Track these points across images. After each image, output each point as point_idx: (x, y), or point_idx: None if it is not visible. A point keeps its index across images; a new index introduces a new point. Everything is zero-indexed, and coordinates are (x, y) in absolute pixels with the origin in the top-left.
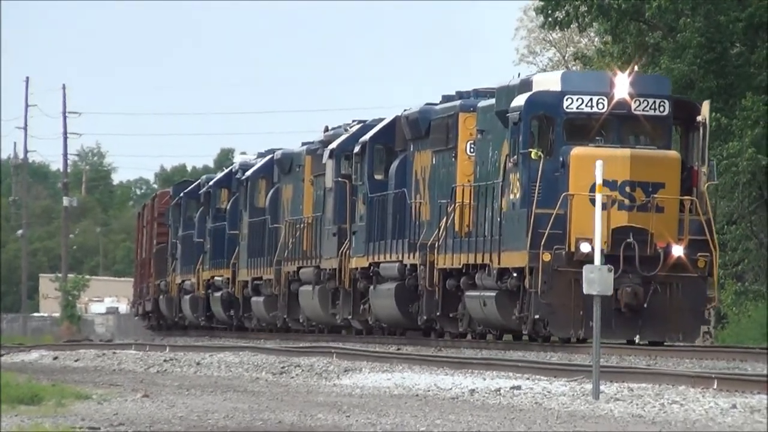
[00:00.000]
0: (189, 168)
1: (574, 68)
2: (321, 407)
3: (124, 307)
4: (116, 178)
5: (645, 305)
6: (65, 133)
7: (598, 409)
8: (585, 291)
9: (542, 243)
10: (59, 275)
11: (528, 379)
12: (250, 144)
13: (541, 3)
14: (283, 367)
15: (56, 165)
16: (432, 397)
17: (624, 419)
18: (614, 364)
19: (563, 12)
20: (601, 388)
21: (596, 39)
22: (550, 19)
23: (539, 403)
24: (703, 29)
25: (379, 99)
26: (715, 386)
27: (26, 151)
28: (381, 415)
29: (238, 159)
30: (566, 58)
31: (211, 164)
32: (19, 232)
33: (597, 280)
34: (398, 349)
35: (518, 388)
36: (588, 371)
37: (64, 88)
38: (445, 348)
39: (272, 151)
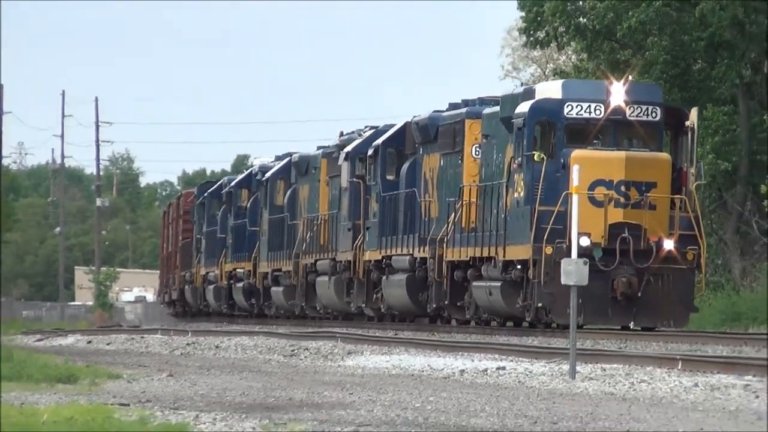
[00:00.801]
0: (208, 172)
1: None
2: (327, 386)
3: (150, 296)
4: (143, 181)
5: (639, 294)
6: (98, 141)
7: (575, 388)
8: (562, 281)
9: (545, 237)
10: (93, 268)
11: (512, 360)
12: (262, 150)
13: (524, 24)
14: (293, 350)
15: (90, 169)
16: (426, 376)
17: (597, 396)
18: (589, 347)
19: (544, 32)
20: (577, 368)
21: (573, 56)
22: (531, 38)
23: (522, 382)
24: (669, 47)
25: (372, 109)
26: (679, 367)
27: (63, 157)
28: (380, 393)
29: (257, 162)
30: (546, 73)
31: (228, 168)
32: (57, 229)
33: (574, 272)
34: (396, 334)
35: (503, 368)
36: (565, 353)
37: (96, 100)
38: (438, 333)
39: (289, 154)
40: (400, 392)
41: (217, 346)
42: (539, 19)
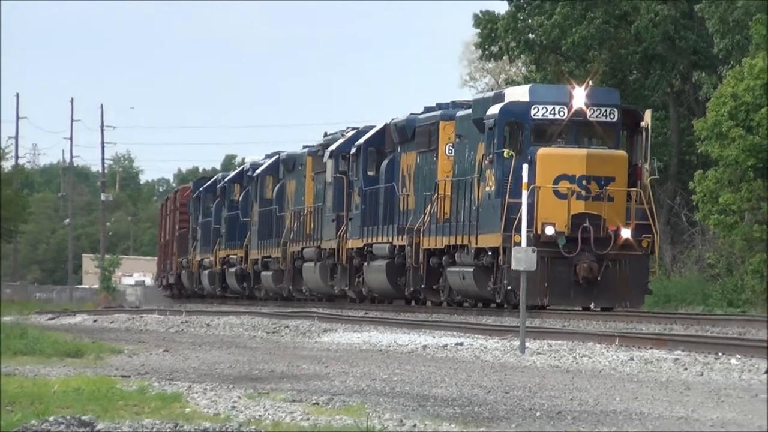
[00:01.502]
0: (200, 170)
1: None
2: (305, 359)
3: (149, 280)
4: (143, 178)
5: (599, 278)
6: (102, 143)
7: (524, 361)
8: (513, 267)
9: (514, 227)
10: (98, 255)
11: (469, 337)
12: (248, 151)
13: (480, 39)
14: (275, 328)
15: (96, 168)
16: (392, 351)
17: (544, 369)
18: (537, 326)
19: (497, 47)
20: (527, 344)
21: (523, 68)
22: (486, 52)
23: (477, 356)
24: (608, 60)
25: (341, 114)
26: (616, 343)
27: (72, 157)
28: (352, 366)
29: (248, 160)
30: (499, 83)
31: (218, 167)
32: (66, 221)
33: (524, 259)
34: (366, 314)
35: (461, 344)
36: (516, 331)
37: (102, 107)
38: (402, 312)
39: (278, 153)
40: (369, 365)
41: (208, 325)
42: (493, 35)
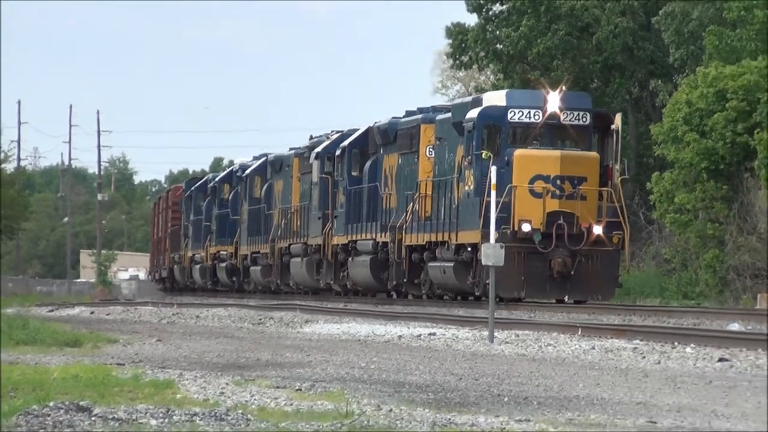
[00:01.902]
0: (190, 171)
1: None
2: (288, 348)
3: (142, 275)
4: (136, 179)
5: (572, 272)
6: (99, 146)
7: (493, 350)
8: (483, 262)
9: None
10: (95, 251)
11: (441, 327)
12: (236, 154)
13: (451, 49)
14: (260, 319)
15: (92, 169)
16: (370, 341)
17: (512, 357)
18: (505, 317)
19: (467, 56)
20: (495, 334)
21: (491, 76)
22: (457, 61)
23: (449, 345)
24: (571, 69)
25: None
26: (579, 333)
27: (70, 160)
28: (332, 354)
29: (237, 161)
30: (469, 90)
31: (207, 168)
32: (65, 219)
33: (492, 254)
34: (345, 306)
35: (434, 334)
36: (485, 322)
37: (98, 113)
38: (381, 305)
39: (266, 155)
40: (348, 354)
41: (197, 316)
42: (463, 45)
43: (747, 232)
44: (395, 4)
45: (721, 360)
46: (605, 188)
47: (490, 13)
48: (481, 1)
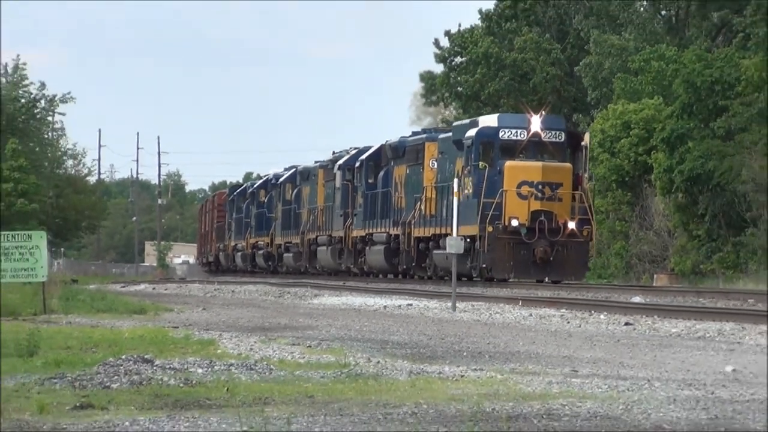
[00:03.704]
0: (227, 182)
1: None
2: (301, 315)
3: (192, 260)
4: (187, 188)
5: (551, 258)
6: (159, 163)
7: (455, 317)
8: (447, 251)
9: (487, 220)
10: (156, 242)
11: (416, 300)
12: (263, 169)
13: (423, 91)
14: (280, 293)
15: (154, 181)
16: (363, 310)
17: (469, 322)
18: (464, 291)
19: (435, 96)
20: (457, 305)
21: (454, 111)
22: (428, 99)
23: (422, 313)
24: (513, 107)
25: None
26: (520, 304)
27: (137, 174)
28: (334, 320)
29: (271, 172)
30: (437, 122)
31: (241, 180)
32: (134, 218)
33: (454, 245)
34: (344, 284)
35: (411, 305)
36: (449, 295)
37: (158, 138)
38: (370, 282)
39: (295, 166)
40: (346, 320)
41: (233, 291)
42: (433, 88)
43: (645, 228)
44: (384, 56)
45: (626, 324)
46: (577, 192)
47: (453, 63)
48: (446, 55)
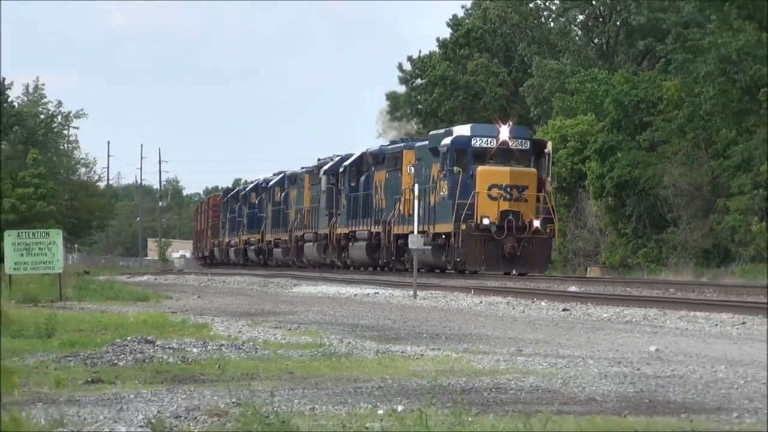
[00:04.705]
0: (219, 187)
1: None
2: (283, 302)
3: (188, 254)
4: (184, 192)
5: (518, 253)
6: (160, 171)
7: (416, 303)
8: (410, 247)
9: (461, 219)
10: (157, 239)
11: (382, 288)
12: (250, 175)
13: (389, 108)
14: (264, 283)
15: (155, 186)
16: (336, 297)
17: (428, 308)
18: (424, 282)
19: (399, 113)
20: (418, 293)
21: (415, 126)
22: (392, 116)
23: (387, 300)
24: (467, 122)
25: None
26: (472, 293)
27: (141, 180)
28: (311, 306)
29: (261, 176)
30: (400, 135)
31: (230, 185)
32: (138, 218)
33: (416, 242)
34: (320, 275)
35: (377, 293)
36: (410, 285)
37: (159, 149)
38: (344, 274)
39: (283, 172)
40: (322, 306)
41: (224, 282)
42: (396, 105)
43: (580, 227)
44: (355, 78)
45: (564, 310)
46: (541, 194)
47: (414, 84)
48: (408, 77)
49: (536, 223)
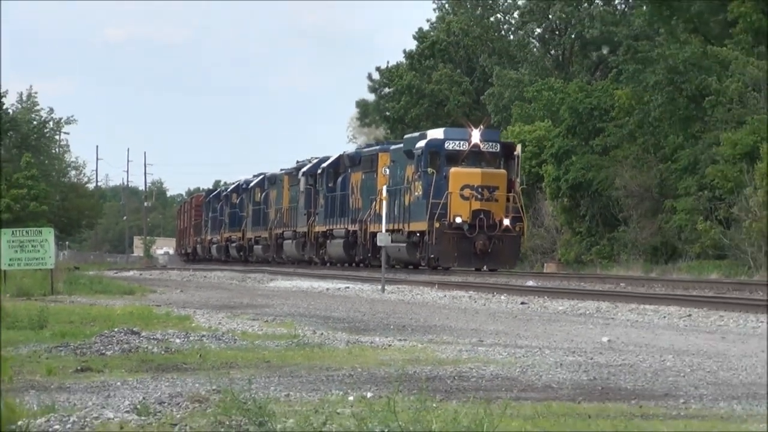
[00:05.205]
0: (201, 188)
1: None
2: (260, 296)
3: (171, 251)
4: (168, 193)
5: (489, 250)
6: (145, 173)
7: (384, 297)
8: (378, 244)
9: (435, 217)
10: (143, 237)
11: (353, 283)
12: (230, 177)
13: (358, 114)
14: (243, 278)
15: (141, 187)
16: (310, 292)
17: (396, 302)
18: (392, 277)
19: (368, 119)
20: (386, 287)
21: (383, 132)
22: (362, 122)
23: (357, 294)
24: (432, 128)
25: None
26: (436, 287)
27: (128, 182)
28: (286, 299)
29: (242, 178)
30: (369, 139)
31: (211, 186)
32: (124, 217)
33: (384, 239)
34: (295, 270)
35: (348, 287)
36: (379, 279)
37: (144, 154)
38: (319, 270)
39: (263, 173)
40: (296, 299)
41: (205, 276)
42: (366, 112)
43: (537, 226)
44: (327, 87)
45: (522, 303)
46: (510, 194)
47: (382, 93)
48: (377, 86)
49: (506, 222)
